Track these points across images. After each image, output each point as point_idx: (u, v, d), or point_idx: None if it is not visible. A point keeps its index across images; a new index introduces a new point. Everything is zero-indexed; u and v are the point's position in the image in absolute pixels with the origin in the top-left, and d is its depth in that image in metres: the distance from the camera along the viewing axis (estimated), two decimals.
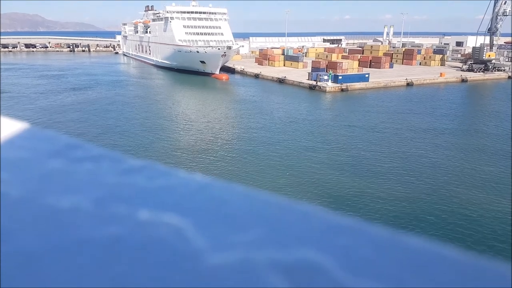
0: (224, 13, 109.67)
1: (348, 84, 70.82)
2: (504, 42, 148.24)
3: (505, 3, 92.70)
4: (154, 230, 0.70)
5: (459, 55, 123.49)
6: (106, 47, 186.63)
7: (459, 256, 0.60)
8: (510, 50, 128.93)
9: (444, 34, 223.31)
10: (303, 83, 75.88)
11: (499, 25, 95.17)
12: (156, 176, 0.90)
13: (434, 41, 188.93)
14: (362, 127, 45.66)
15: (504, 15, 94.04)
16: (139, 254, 0.64)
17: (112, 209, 0.77)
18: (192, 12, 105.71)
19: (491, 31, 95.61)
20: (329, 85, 70.35)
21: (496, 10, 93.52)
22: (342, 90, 70.06)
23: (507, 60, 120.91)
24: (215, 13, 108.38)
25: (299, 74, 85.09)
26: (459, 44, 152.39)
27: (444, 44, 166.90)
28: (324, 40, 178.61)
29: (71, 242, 0.66)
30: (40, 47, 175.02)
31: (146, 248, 0.66)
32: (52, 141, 1.08)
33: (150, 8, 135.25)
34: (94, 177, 0.89)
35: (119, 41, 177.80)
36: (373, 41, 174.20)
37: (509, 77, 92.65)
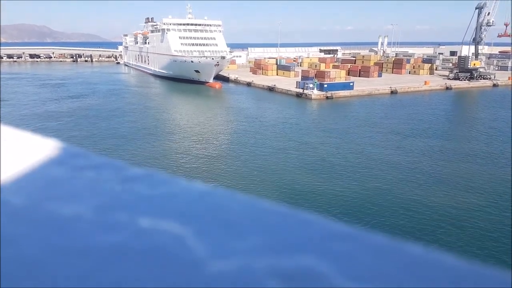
0: (219, 25, 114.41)
1: (333, 92, 74.16)
2: (499, 52, 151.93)
3: (488, 14, 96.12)
4: (155, 237, 0.71)
5: (450, 64, 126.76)
6: (108, 57, 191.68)
7: (458, 262, 0.60)
8: (500, 60, 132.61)
9: (440, 43, 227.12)
10: (291, 91, 79.32)
11: (483, 35, 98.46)
12: (157, 184, 0.92)
13: (430, 50, 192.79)
14: (357, 133, 48.63)
15: (488, 25, 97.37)
16: (140, 261, 0.65)
17: (113, 216, 0.78)
18: (187, 24, 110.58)
19: (476, 41, 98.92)
20: (315, 93, 73.69)
21: (480, 20, 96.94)
22: (327, 97, 73.35)
23: (497, 68, 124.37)
24: (210, 25, 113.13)
25: (289, 82, 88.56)
26: (453, 53, 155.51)
27: (439, 53, 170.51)
28: (321, 50, 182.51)
29: (73, 249, 0.68)
30: (44, 57, 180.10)
31: (147, 255, 0.67)
32: (54, 149, 1.09)
33: (150, 20, 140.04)
34: (96, 185, 0.90)
35: (121, 51, 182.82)
36: (369, 51, 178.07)
37: (494, 85, 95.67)
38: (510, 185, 31.04)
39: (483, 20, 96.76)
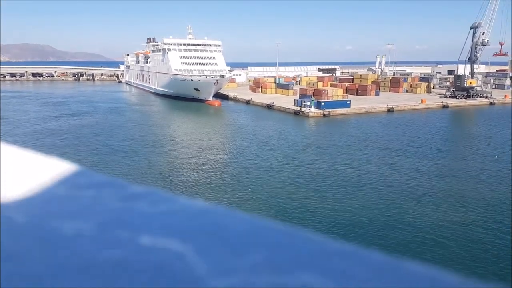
0: (219, 45, 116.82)
1: (330, 109, 75.07)
2: (496, 71, 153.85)
3: (483, 34, 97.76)
4: (156, 255, 0.72)
5: (447, 83, 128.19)
6: (110, 76, 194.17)
7: (457, 280, 0.61)
8: (497, 78, 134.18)
9: (438, 62, 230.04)
10: (289, 108, 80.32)
11: (478, 54, 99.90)
12: (158, 201, 0.93)
13: (428, 69, 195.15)
14: (357, 153, 49.36)
15: (483, 45, 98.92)
16: (141, 278, 0.66)
17: (115, 234, 0.79)
18: (188, 44, 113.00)
19: (472, 60, 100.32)
20: (312, 111, 74.64)
21: (475, 40, 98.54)
22: (324, 115, 74.25)
23: (494, 87, 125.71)
24: (210, 45, 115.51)
25: (287, 100, 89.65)
26: (450, 72, 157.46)
27: (436, 72, 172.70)
28: (320, 70, 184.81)
29: (75, 266, 0.68)
30: (47, 76, 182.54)
31: (148, 272, 0.68)
32: (56, 167, 1.11)
33: (151, 40, 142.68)
34: (97, 203, 0.92)
35: (122, 70, 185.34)
36: (367, 70, 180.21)
37: (490, 103, 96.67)
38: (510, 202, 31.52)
39: (478, 39, 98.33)
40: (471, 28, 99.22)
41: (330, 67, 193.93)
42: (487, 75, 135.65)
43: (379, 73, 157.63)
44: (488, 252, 23.67)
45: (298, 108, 77.54)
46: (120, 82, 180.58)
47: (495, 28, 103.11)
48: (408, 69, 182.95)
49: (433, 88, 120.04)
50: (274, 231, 0.79)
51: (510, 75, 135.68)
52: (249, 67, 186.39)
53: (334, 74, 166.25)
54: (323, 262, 0.68)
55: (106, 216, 0.86)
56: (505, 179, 37.80)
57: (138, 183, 1.01)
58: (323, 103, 76.48)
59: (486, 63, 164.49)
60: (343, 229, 26.25)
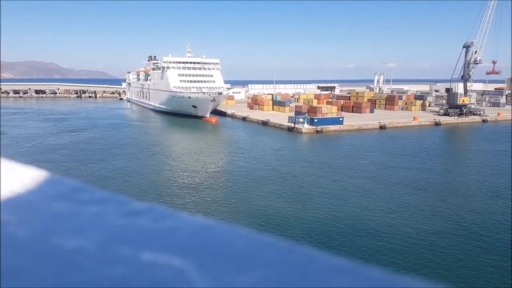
0: (217, 63, 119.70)
1: (323, 126, 76.80)
2: (495, 89, 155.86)
3: (475, 52, 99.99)
4: (157, 272, 0.72)
5: (443, 101, 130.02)
6: (112, 93, 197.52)
7: None
8: (492, 96, 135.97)
9: (437, 81, 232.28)
10: (283, 125, 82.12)
11: (471, 72, 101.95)
12: (159, 218, 0.93)
13: (426, 87, 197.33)
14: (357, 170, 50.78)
15: (476, 63, 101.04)
16: None
17: (116, 250, 0.79)
18: (186, 63, 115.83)
19: (464, 78, 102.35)
20: (305, 127, 76.35)
21: (467, 58, 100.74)
22: (317, 131, 75.91)
23: (489, 105, 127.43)
24: (208, 63, 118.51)
25: (283, 117, 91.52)
26: (448, 90, 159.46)
27: (434, 90, 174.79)
28: (319, 87, 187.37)
29: (76, 282, 0.68)
30: (49, 93, 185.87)
31: None
32: (58, 184, 1.11)
33: (152, 58, 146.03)
34: (99, 219, 0.92)
35: (124, 87, 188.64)
36: (366, 88, 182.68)
37: (483, 120, 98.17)
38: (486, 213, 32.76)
39: (470, 58, 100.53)
40: (463, 47, 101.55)
41: (329, 85, 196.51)
42: (483, 93, 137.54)
43: (377, 91, 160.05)
44: (460, 261, 24.80)
45: (292, 125, 79.30)
46: (121, 99, 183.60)
47: (487, 47, 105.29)
48: (406, 87, 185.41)
49: (429, 106, 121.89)
50: (274, 248, 0.80)
51: (506, 93, 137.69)
52: (249, 85, 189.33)
53: (332, 92, 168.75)
54: (324, 279, 0.68)
55: (108, 232, 0.86)
56: (483, 192, 39.10)
57: (139, 199, 0.96)
58: (316, 120, 78.26)
59: (483, 81, 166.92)
60: (345, 246, 26.70)
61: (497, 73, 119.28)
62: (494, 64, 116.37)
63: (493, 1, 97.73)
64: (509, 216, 32.55)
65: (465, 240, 27.94)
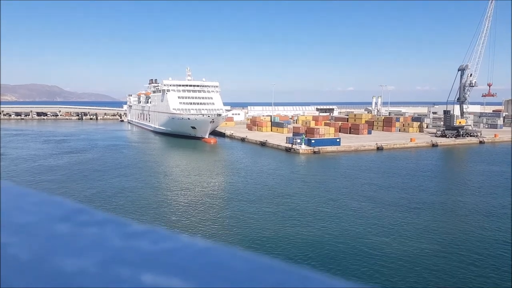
0: (216, 86, 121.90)
1: (320, 147, 77.51)
2: (493, 111, 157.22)
3: (471, 75, 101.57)
4: None
5: (441, 123, 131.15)
6: (113, 115, 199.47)
7: None
8: (490, 118, 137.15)
9: (435, 103, 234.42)
10: (281, 146, 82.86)
11: (467, 95, 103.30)
12: (159, 240, 0.94)
13: (424, 110, 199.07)
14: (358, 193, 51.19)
15: (471, 86, 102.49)
16: None
17: (116, 272, 0.79)
18: (186, 85, 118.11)
19: (460, 100, 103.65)
20: (303, 148, 77.06)
21: (463, 81, 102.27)
22: (314, 152, 76.55)
23: (487, 126, 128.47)
24: (208, 86, 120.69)
25: (281, 138, 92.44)
26: (446, 112, 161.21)
27: (432, 112, 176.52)
28: (317, 109, 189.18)
29: None
30: (51, 115, 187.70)
31: None
32: (58, 205, 1.12)
33: (153, 81, 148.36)
34: (99, 241, 0.92)
35: (125, 110, 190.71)
36: (364, 110, 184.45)
37: (480, 142, 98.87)
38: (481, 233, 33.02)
39: (466, 81, 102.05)
40: (458, 70, 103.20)
41: (328, 107, 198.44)
42: (480, 115, 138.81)
43: (375, 113, 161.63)
44: (457, 280, 24.99)
45: (290, 146, 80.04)
46: (122, 121, 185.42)
47: (482, 70, 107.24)
48: (404, 109, 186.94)
49: (427, 127, 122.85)
50: (275, 270, 0.80)
51: (504, 115, 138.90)
52: (249, 107, 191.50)
53: (331, 114, 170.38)
54: None
55: (108, 254, 0.86)
56: (478, 212, 39.41)
57: (139, 220, 0.98)
58: (313, 141, 79.05)
59: (481, 103, 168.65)
60: (343, 267, 26.86)
61: (492, 95, 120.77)
62: (489, 87, 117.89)
63: (486, 25, 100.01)
64: (504, 235, 32.90)
65: (463, 258, 28.20)
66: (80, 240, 0.92)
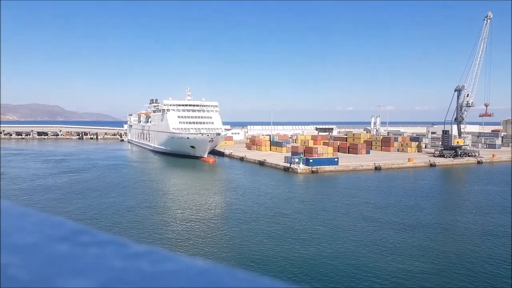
0: (216, 106, 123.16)
1: (318, 166, 77.87)
2: (492, 131, 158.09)
3: (467, 96, 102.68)
4: None
5: (439, 143, 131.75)
6: (114, 135, 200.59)
7: None
8: (488, 138, 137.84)
9: (434, 123, 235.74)
10: (279, 165, 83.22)
11: (464, 115, 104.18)
12: (160, 260, 0.94)
13: (423, 130, 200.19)
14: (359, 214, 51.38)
15: (468, 106, 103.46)
16: None
17: None
18: (186, 105, 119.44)
19: (458, 120, 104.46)
20: (301, 167, 77.41)
21: (460, 101, 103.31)
22: (312, 172, 76.87)
23: (485, 146, 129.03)
24: (207, 105, 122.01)
25: (280, 157, 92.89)
26: (445, 132, 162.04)
27: (432, 132, 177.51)
28: (316, 129, 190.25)
29: None
30: (52, 135, 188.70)
31: None
32: (59, 226, 1.12)
33: (154, 101, 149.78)
34: (100, 262, 0.92)
35: (126, 129, 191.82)
36: (363, 130, 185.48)
37: (478, 162, 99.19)
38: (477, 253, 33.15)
39: (462, 101, 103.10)
40: (455, 91, 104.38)
41: (327, 126, 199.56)
42: (479, 134, 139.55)
43: (374, 133, 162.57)
44: None
45: (288, 165, 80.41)
46: (122, 140, 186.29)
47: (479, 90, 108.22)
48: (402, 129, 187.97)
49: (425, 147, 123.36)
50: None
51: (502, 135, 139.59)
52: (248, 126, 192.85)
53: (330, 133, 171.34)
54: None
55: (109, 274, 0.86)
56: (474, 232, 39.55)
57: (139, 241, 0.94)
58: (311, 160, 79.47)
59: (480, 123, 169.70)
60: (336, 283, 27.12)
61: (490, 115, 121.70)
62: (486, 107, 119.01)
63: (482, 46, 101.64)
64: (500, 252, 33.04)
65: (459, 277, 28.32)
66: (80, 261, 0.92)
